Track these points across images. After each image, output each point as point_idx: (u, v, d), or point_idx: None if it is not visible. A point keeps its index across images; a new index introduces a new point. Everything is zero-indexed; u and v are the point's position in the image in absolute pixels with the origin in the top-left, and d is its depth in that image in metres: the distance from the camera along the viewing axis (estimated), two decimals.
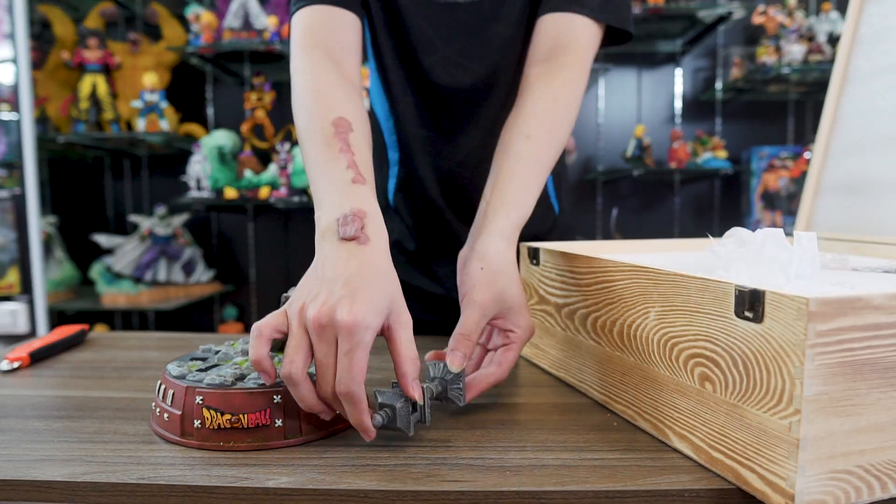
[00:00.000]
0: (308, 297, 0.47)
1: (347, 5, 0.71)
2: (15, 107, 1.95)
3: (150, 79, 2.13)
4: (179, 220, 2.29)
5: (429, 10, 0.77)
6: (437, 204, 0.87)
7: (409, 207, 0.90)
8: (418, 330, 0.90)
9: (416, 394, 0.47)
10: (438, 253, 0.89)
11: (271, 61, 2.21)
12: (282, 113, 2.36)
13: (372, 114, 0.91)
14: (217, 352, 0.58)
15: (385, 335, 0.49)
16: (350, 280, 0.47)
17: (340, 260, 0.49)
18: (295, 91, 0.67)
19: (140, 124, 2.13)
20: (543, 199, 0.91)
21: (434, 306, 0.90)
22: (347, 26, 0.71)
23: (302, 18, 0.70)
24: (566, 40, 0.70)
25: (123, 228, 2.44)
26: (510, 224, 0.60)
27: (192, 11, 2.06)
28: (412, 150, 0.86)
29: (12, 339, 1.98)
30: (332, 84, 0.65)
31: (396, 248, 0.91)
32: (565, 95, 0.68)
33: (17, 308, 1.99)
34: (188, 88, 2.38)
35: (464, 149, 0.85)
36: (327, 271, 0.48)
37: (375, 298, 0.46)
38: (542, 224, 0.91)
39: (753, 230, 0.52)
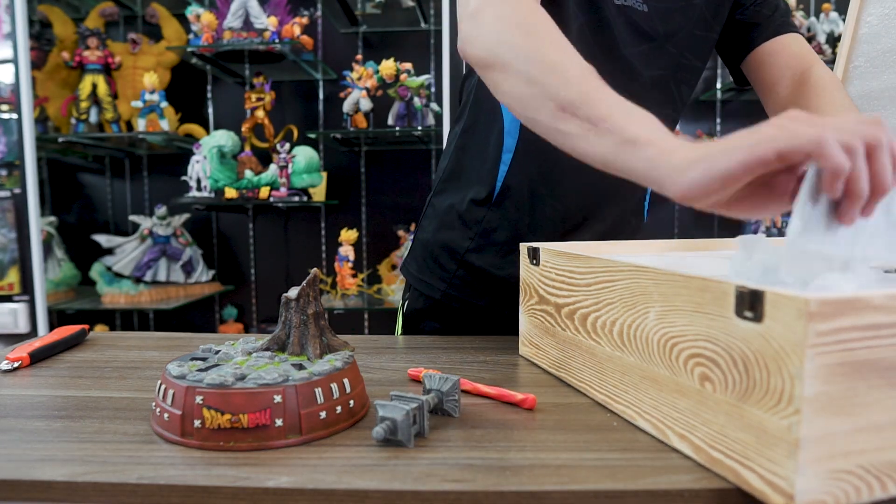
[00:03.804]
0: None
1: None
2: (15, 107, 1.95)
3: (150, 79, 2.13)
4: (179, 220, 2.29)
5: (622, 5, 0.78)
6: (546, 199, 0.86)
7: (514, 198, 0.87)
8: (484, 320, 0.92)
9: None
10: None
11: (271, 61, 2.21)
12: (282, 113, 2.36)
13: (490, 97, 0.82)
14: (217, 352, 0.58)
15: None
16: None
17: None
18: (518, 26, 0.60)
19: (140, 124, 2.13)
20: (637, 208, 0.95)
21: (514, 299, 0.86)
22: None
23: None
24: (805, 60, 0.83)
25: (123, 228, 2.45)
26: None
27: (192, 11, 2.06)
28: (537, 141, 0.84)
29: (12, 339, 1.99)
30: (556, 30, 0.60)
31: (485, 238, 0.89)
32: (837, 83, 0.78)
33: (17, 308, 1.99)
34: (188, 88, 2.38)
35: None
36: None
37: None
38: (634, 236, 0.96)
39: (753, 231, 0.52)
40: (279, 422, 0.48)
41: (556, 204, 0.87)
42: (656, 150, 0.48)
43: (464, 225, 0.90)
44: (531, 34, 0.58)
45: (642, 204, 0.96)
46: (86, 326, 0.85)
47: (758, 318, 0.39)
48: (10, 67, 1.94)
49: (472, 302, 0.91)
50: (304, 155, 2.12)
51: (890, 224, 0.47)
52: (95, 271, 2.22)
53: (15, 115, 1.95)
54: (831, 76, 0.79)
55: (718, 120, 2.35)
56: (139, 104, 2.14)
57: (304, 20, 2.09)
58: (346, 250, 2.18)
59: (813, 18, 2.11)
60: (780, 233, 2.15)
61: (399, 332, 0.98)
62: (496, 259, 0.89)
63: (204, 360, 0.56)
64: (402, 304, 0.98)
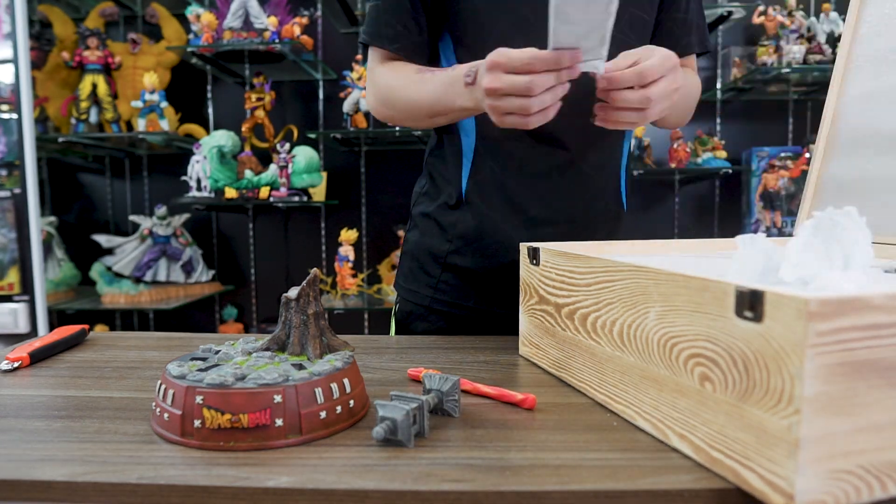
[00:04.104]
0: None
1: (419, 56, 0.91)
2: (15, 107, 1.95)
3: (150, 79, 2.13)
4: (179, 220, 2.29)
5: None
6: (513, 189, 0.89)
7: (482, 195, 0.91)
8: (474, 321, 0.94)
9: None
10: (508, 242, 0.91)
11: (271, 61, 2.21)
12: (282, 113, 2.36)
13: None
14: (217, 352, 0.58)
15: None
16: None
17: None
18: (384, 87, 0.90)
19: (140, 124, 2.13)
20: (616, 197, 0.95)
21: (501, 297, 0.92)
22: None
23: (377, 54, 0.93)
24: (684, 65, 0.95)
25: (123, 228, 2.45)
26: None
27: (192, 11, 2.06)
28: (491, 137, 0.89)
29: (12, 339, 1.98)
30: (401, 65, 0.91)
31: (463, 239, 0.92)
32: (694, 79, 0.95)
33: (17, 308, 1.99)
34: (188, 88, 2.38)
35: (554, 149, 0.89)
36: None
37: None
38: (615, 223, 0.96)
39: (754, 230, 0.51)
40: (279, 422, 0.48)
41: (524, 192, 0.89)
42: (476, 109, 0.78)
43: (441, 230, 0.94)
44: (388, 101, 0.90)
45: (618, 190, 0.95)
46: (86, 326, 0.85)
47: (758, 318, 0.39)
48: (10, 67, 1.94)
49: (459, 303, 0.94)
50: (304, 155, 2.12)
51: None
52: (95, 271, 2.22)
53: (15, 115, 1.95)
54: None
55: (718, 120, 2.35)
56: (139, 104, 2.14)
57: (304, 20, 2.09)
58: (346, 250, 2.18)
59: (813, 18, 2.11)
60: (780, 233, 2.15)
61: (392, 335, 0.99)
62: (477, 258, 0.92)
63: (204, 360, 0.56)
64: (395, 308, 1.02)
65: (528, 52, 0.64)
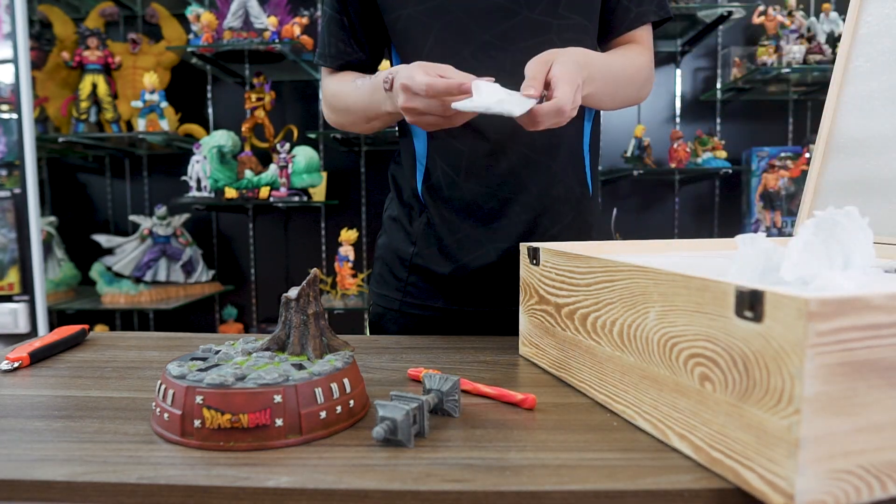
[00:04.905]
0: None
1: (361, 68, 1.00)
2: (15, 107, 1.95)
3: (150, 79, 2.13)
4: (179, 220, 2.29)
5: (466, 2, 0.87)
6: (465, 186, 0.90)
7: (437, 194, 0.92)
8: (446, 320, 0.95)
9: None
10: (467, 240, 0.91)
11: (271, 61, 2.21)
12: (282, 113, 2.36)
13: (404, 123, 0.97)
14: (217, 352, 0.58)
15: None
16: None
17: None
18: (330, 95, 0.98)
19: (140, 124, 2.13)
20: (579, 180, 0.94)
21: (468, 295, 0.93)
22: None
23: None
24: (635, 40, 0.94)
25: (123, 228, 2.45)
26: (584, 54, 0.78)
27: (192, 11, 2.06)
28: (441, 137, 0.90)
29: (12, 339, 1.98)
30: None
31: (424, 240, 0.94)
32: (638, 58, 0.91)
33: (17, 308, 1.99)
34: (188, 88, 2.38)
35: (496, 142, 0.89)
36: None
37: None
38: (581, 206, 0.94)
39: (754, 230, 0.52)
40: (279, 422, 0.48)
41: (476, 188, 0.89)
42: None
43: (405, 232, 0.96)
44: (333, 107, 0.97)
45: (581, 172, 0.94)
46: (86, 326, 0.85)
47: (758, 318, 0.39)
48: (10, 67, 1.94)
49: (429, 304, 0.95)
50: (304, 155, 2.12)
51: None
52: (95, 271, 2.22)
53: (15, 115, 1.95)
54: (633, 53, 0.91)
55: (718, 120, 2.35)
56: (139, 104, 2.14)
57: (304, 20, 2.09)
58: (346, 250, 2.18)
59: (813, 18, 2.11)
60: (780, 233, 2.15)
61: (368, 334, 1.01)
62: (440, 258, 0.93)
63: (204, 360, 0.56)
64: (368, 312, 1.03)
65: (426, 80, 0.70)
